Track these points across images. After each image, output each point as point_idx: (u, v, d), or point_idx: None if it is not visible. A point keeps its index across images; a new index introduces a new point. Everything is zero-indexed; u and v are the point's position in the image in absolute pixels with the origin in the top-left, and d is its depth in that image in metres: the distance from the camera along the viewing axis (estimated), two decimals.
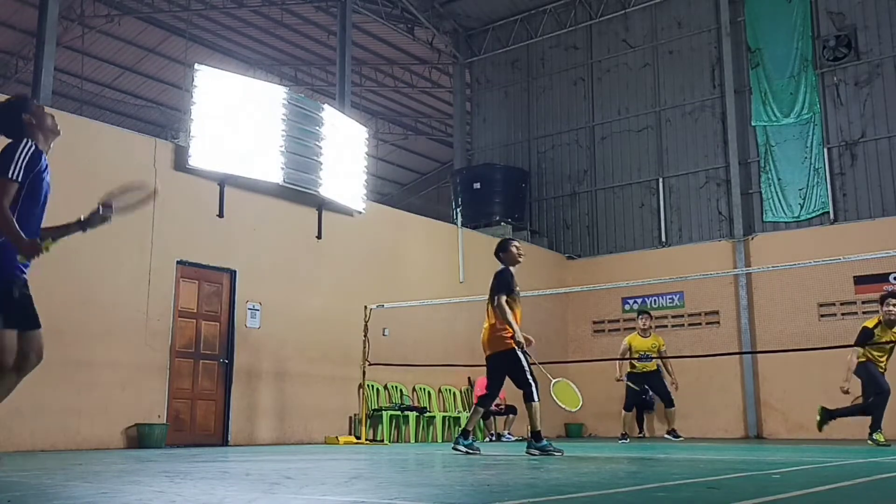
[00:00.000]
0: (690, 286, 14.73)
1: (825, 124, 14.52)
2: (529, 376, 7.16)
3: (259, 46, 20.40)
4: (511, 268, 7.54)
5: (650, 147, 16.51)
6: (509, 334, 7.20)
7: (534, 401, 7.09)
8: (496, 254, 7.68)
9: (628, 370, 11.48)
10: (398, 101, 23.95)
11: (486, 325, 7.47)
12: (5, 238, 4.22)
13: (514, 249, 7.60)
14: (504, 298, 7.23)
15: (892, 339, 9.20)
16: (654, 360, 11.33)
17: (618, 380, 11.61)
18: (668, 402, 11.34)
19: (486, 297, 7.53)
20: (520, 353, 7.18)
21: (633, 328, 11.99)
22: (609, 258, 16.30)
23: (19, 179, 4.31)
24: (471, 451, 7.24)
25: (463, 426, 7.71)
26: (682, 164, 16.08)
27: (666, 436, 11.45)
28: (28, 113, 4.63)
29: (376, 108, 23.95)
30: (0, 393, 4.31)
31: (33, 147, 4.48)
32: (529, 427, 7.22)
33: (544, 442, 7.15)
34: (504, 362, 7.30)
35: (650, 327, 11.53)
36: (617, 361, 11.61)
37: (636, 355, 11.28)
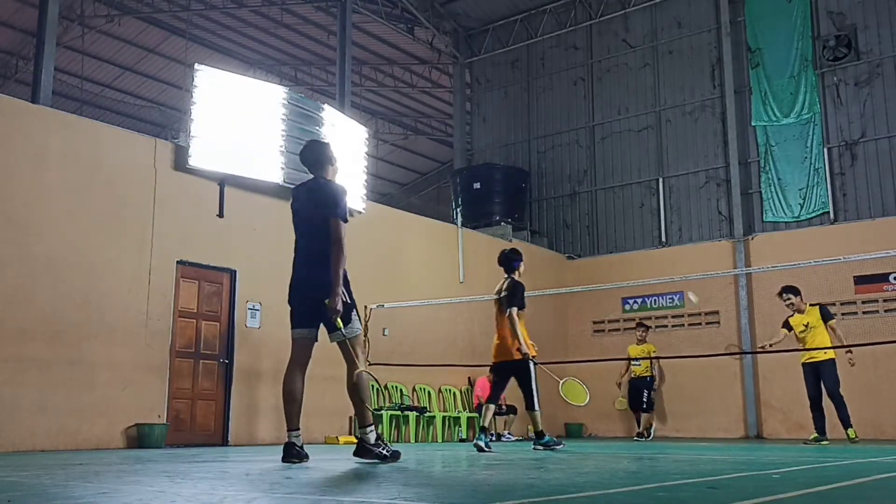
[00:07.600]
0: (690, 286, 14.70)
1: (825, 124, 14.52)
2: (534, 386, 7.82)
3: (259, 46, 20.40)
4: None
5: (650, 147, 16.51)
6: (517, 346, 7.74)
7: (534, 409, 7.79)
8: (512, 262, 8.09)
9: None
10: (398, 101, 23.94)
11: (497, 334, 7.98)
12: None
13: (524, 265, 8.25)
14: (516, 311, 7.76)
15: None
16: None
17: None
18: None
19: (494, 302, 8.03)
20: (530, 365, 7.74)
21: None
22: (609, 258, 16.29)
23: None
24: (488, 449, 7.61)
25: (480, 425, 8.07)
26: (682, 164, 16.07)
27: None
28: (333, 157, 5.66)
29: (376, 108, 23.94)
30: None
31: None
32: (532, 428, 8.01)
33: (547, 438, 7.86)
34: (512, 370, 7.89)
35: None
36: None
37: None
